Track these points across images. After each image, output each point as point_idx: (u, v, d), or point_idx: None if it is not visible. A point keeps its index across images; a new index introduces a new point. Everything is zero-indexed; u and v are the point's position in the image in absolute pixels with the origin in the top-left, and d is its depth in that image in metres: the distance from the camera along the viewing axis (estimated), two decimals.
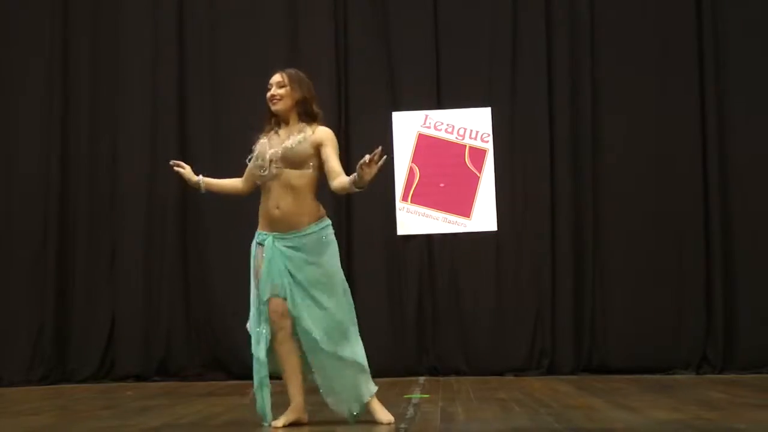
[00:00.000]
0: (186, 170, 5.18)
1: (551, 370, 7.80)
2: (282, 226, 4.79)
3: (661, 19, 8.03)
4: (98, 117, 8.22)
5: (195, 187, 5.22)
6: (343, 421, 4.87)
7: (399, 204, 7.84)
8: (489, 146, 7.30)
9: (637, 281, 7.85)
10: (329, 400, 4.85)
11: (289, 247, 4.77)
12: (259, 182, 4.91)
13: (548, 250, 7.91)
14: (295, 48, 8.17)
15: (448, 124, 7.53)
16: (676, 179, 7.92)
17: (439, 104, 7.99)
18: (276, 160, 4.79)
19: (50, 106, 8.17)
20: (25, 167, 8.13)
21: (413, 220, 7.80)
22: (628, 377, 7.40)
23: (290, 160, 4.79)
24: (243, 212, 7.93)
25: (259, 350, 4.78)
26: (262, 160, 4.84)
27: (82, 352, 7.99)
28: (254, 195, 5.11)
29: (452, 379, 7.57)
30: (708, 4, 7.95)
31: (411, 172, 7.82)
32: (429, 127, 7.25)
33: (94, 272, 8.09)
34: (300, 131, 4.85)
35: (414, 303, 7.92)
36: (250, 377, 7.58)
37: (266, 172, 4.81)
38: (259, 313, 4.79)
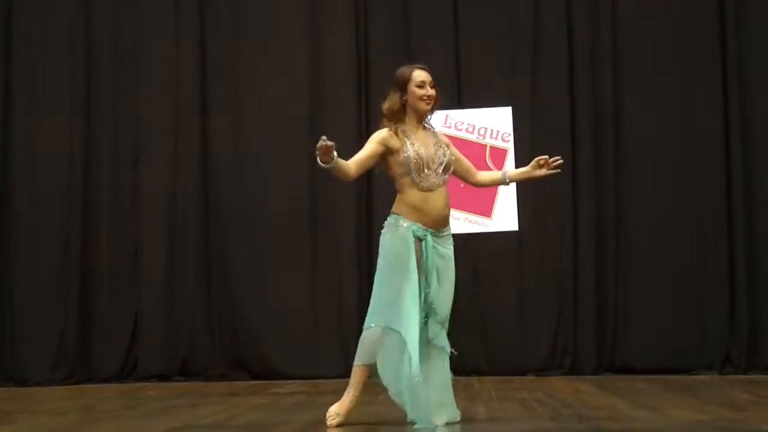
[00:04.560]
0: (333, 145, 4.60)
1: (573, 370, 7.78)
2: (441, 224, 4.88)
3: (683, 18, 7.99)
4: (120, 118, 8.26)
5: (326, 164, 4.61)
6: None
7: None
8: (510, 146, 7.25)
9: (660, 281, 7.82)
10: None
11: (441, 245, 4.85)
12: (425, 185, 4.82)
13: (570, 250, 7.89)
14: (316, 49, 8.18)
15: (468, 124, 7.49)
16: (699, 179, 7.88)
17: (460, 104, 7.97)
18: (445, 168, 4.87)
19: (72, 107, 8.21)
20: (48, 168, 8.17)
21: None
22: (651, 377, 7.36)
23: (450, 168, 4.91)
24: (265, 212, 8.03)
25: (414, 341, 4.66)
26: (434, 167, 4.82)
27: (105, 352, 8.03)
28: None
29: (474, 378, 7.56)
30: (732, 4, 7.90)
31: None
32: (450, 127, 7.20)
33: (117, 273, 8.13)
34: (437, 138, 4.96)
35: None
36: (272, 377, 7.77)
37: (437, 180, 4.83)
38: (416, 303, 4.71)
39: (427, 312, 4.78)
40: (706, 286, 7.79)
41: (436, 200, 4.83)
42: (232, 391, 7.05)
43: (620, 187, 7.95)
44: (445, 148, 4.93)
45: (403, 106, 4.89)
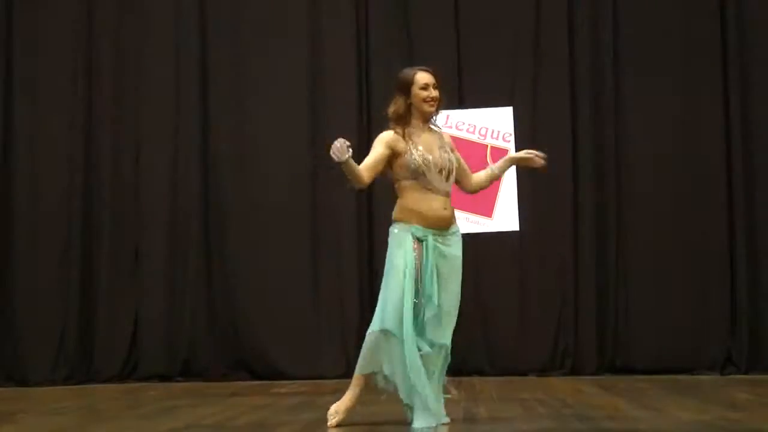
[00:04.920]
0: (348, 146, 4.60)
1: (574, 371, 7.77)
2: (444, 224, 4.86)
3: (685, 19, 7.98)
4: (121, 119, 8.25)
5: (341, 162, 4.59)
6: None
7: None
8: (511, 146, 7.24)
9: (661, 281, 7.81)
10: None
11: (444, 244, 4.84)
12: (429, 187, 4.82)
13: (571, 250, 7.89)
14: (316, 50, 8.18)
15: (469, 124, 7.49)
16: (700, 179, 7.88)
17: (461, 104, 7.97)
18: (448, 174, 4.87)
19: (73, 109, 8.21)
20: (50, 170, 8.16)
21: None
22: (652, 378, 7.36)
23: (453, 174, 4.92)
24: (265, 212, 8.02)
25: (413, 346, 4.68)
26: (447, 170, 4.85)
27: (106, 353, 8.02)
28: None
29: (475, 379, 7.55)
30: (733, 4, 7.89)
31: None
32: (450, 127, 7.18)
33: (118, 273, 8.12)
34: (442, 141, 4.95)
35: None
36: (273, 377, 7.77)
37: (441, 184, 4.84)
38: (415, 306, 4.73)
39: (429, 313, 4.76)
40: (707, 286, 7.78)
41: (434, 201, 4.82)
42: (232, 391, 7.04)
43: (621, 187, 7.94)
44: (450, 153, 4.93)
45: (408, 109, 4.88)
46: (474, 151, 7.80)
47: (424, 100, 4.86)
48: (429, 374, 4.78)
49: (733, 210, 7.81)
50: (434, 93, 4.87)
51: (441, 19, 8.13)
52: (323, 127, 8.00)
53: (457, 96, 8.00)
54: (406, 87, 4.88)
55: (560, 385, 7.00)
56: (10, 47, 8.24)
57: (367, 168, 4.79)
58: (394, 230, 4.85)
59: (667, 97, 7.94)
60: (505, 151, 7.81)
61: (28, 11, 8.28)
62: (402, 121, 4.88)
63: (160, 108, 8.24)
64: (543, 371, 7.75)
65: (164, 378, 7.94)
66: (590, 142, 7.97)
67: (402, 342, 4.67)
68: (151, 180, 8.18)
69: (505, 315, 7.89)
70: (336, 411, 4.84)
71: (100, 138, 8.23)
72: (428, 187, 4.81)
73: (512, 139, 7.81)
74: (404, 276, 4.72)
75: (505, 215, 7.65)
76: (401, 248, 4.77)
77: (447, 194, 4.89)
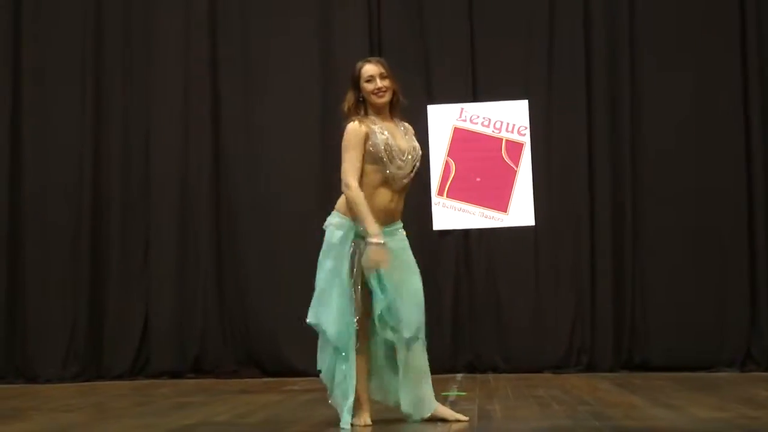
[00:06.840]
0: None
1: (590, 368, 7.70)
2: (388, 219, 4.78)
3: (702, 9, 7.89)
4: (131, 112, 8.22)
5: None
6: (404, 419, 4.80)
7: (435, 199, 7.74)
8: (526, 139, 7.17)
9: (679, 277, 7.73)
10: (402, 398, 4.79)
11: (390, 239, 4.73)
12: (393, 174, 4.74)
13: (587, 245, 7.82)
14: (328, 42, 8.13)
15: (484, 118, 7.43)
16: (718, 174, 7.79)
17: (475, 97, 7.92)
18: (413, 166, 4.81)
19: (83, 101, 8.18)
20: (59, 164, 8.14)
21: (449, 215, 7.70)
22: (670, 375, 7.28)
23: (416, 168, 4.85)
24: (276, 208, 7.97)
25: (349, 342, 4.67)
26: (411, 156, 4.78)
27: (116, 349, 7.99)
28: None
29: (490, 376, 7.50)
30: None
31: (447, 166, 7.72)
32: (465, 121, 7.14)
33: (128, 269, 8.09)
34: (405, 129, 4.89)
35: (451, 299, 7.86)
36: (285, 374, 7.73)
37: (408, 171, 4.78)
38: (352, 304, 4.70)
39: (380, 307, 4.65)
40: (726, 281, 7.70)
41: (383, 195, 4.75)
42: (244, 388, 7.01)
43: (637, 182, 7.86)
44: (415, 141, 4.87)
45: (362, 103, 4.85)
46: (488, 145, 7.74)
47: (372, 93, 4.81)
48: (392, 370, 4.77)
49: (753, 205, 7.72)
50: (381, 83, 4.80)
51: (455, 12, 8.05)
52: (335, 123, 7.88)
53: (472, 89, 7.96)
54: (354, 82, 4.87)
55: (576, 382, 6.93)
56: (18, 39, 8.22)
57: (358, 177, 4.74)
58: (336, 220, 4.78)
59: (686, 90, 7.85)
60: (520, 145, 7.74)
61: (37, 4, 8.24)
62: (357, 114, 4.84)
63: (170, 103, 8.20)
64: (558, 368, 7.68)
65: (175, 375, 7.90)
66: (606, 135, 7.89)
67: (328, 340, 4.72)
68: (162, 175, 8.14)
69: (521, 311, 7.82)
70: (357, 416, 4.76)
71: (110, 132, 8.20)
72: (386, 177, 4.73)
73: (527, 132, 7.74)
74: (341, 272, 4.69)
75: (520, 210, 7.58)
76: (340, 243, 4.72)
77: (402, 188, 4.79)
